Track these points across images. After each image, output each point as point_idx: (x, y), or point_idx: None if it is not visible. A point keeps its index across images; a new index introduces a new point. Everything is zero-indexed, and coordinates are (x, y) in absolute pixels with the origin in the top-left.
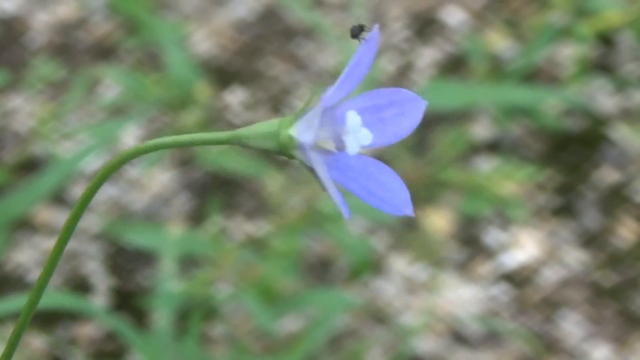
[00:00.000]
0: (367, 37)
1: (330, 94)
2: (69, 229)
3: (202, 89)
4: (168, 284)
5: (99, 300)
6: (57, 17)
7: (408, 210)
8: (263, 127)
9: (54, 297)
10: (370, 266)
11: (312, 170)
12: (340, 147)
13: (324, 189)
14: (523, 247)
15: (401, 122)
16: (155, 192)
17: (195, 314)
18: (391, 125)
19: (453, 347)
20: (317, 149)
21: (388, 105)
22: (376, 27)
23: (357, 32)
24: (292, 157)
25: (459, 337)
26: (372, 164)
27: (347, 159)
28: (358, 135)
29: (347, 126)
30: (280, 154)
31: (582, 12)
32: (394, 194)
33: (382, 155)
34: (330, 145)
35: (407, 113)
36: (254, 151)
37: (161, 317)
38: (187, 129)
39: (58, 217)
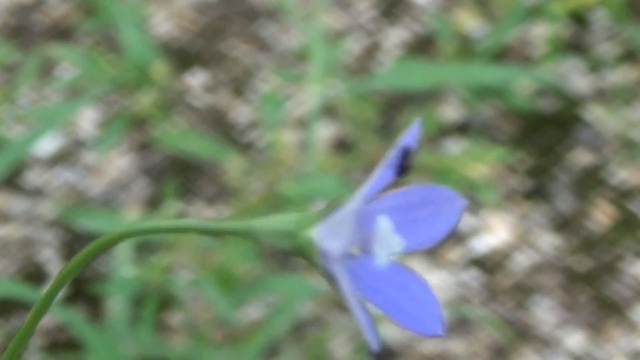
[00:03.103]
0: (408, 132)
1: (363, 194)
2: (40, 311)
3: (159, 70)
4: (123, 270)
5: None
6: None
7: (439, 329)
8: (280, 223)
9: (7, 287)
10: None
11: (332, 280)
12: (366, 251)
13: (345, 303)
14: (494, 232)
15: (435, 224)
16: (113, 178)
17: (150, 301)
18: (424, 226)
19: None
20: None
21: (422, 203)
22: (417, 123)
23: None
24: (309, 260)
25: None
26: (401, 272)
27: (372, 265)
28: (389, 243)
29: (378, 233)
30: (297, 256)
31: None
32: (424, 309)
33: (347, 137)
34: (354, 250)
35: (443, 213)
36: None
37: (116, 304)
38: (144, 110)
39: (12, 203)
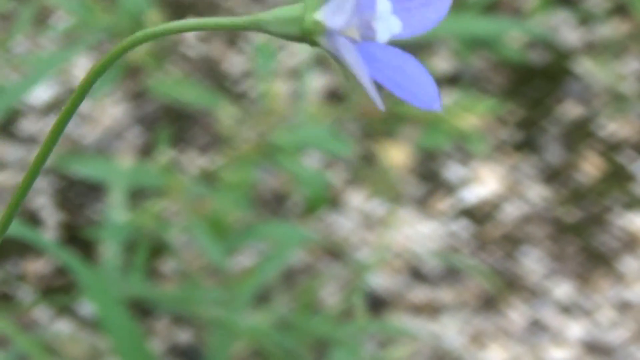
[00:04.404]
0: None
1: None
2: (49, 146)
3: (154, 19)
4: (116, 216)
5: (49, 234)
6: None
7: (436, 105)
8: (286, 11)
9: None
10: (326, 201)
11: (340, 59)
12: (366, 36)
13: (351, 78)
14: (484, 182)
15: (427, 13)
16: (107, 126)
17: (142, 247)
18: (417, 15)
19: (411, 284)
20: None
21: None
22: None
23: None
24: (316, 44)
25: (417, 274)
26: (400, 55)
27: (373, 49)
28: (388, 23)
29: (378, 12)
30: (303, 41)
31: None
32: (422, 88)
33: (338, 88)
34: (355, 34)
35: (433, 3)
36: (276, 38)
37: (109, 249)
38: (138, 59)
39: (6, 151)
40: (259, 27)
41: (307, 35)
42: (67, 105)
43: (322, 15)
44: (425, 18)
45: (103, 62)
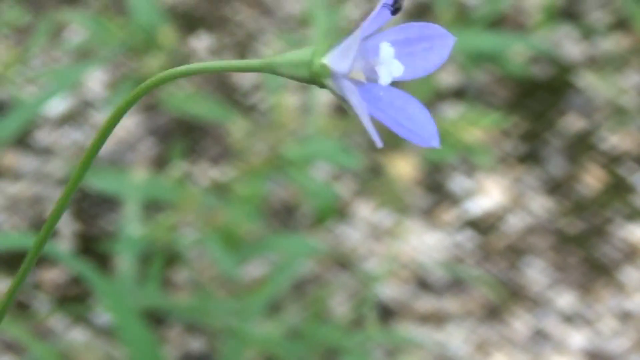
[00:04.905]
0: None
1: (367, 24)
2: (88, 160)
3: (167, 33)
4: (131, 228)
5: (64, 244)
6: None
7: (435, 142)
8: (296, 55)
9: (20, 239)
10: (335, 212)
11: (344, 99)
12: (370, 78)
13: (356, 117)
14: (488, 194)
15: (430, 57)
16: (121, 138)
17: (157, 258)
18: (420, 59)
19: (417, 294)
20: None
21: (418, 39)
22: None
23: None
24: (323, 86)
25: (423, 284)
26: (401, 96)
27: (376, 90)
28: (390, 67)
29: (381, 57)
30: (312, 83)
31: None
32: (421, 127)
33: None
34: (361, 76)
35: (436, 48)
36: (286, 79)
37: (124, 261)
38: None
39: (22, 162)
40: (272, 70)
41: (315, 77)
42: (95, 138)
43: (329, 60)
44: (428, 62)
45: (129, 99)
